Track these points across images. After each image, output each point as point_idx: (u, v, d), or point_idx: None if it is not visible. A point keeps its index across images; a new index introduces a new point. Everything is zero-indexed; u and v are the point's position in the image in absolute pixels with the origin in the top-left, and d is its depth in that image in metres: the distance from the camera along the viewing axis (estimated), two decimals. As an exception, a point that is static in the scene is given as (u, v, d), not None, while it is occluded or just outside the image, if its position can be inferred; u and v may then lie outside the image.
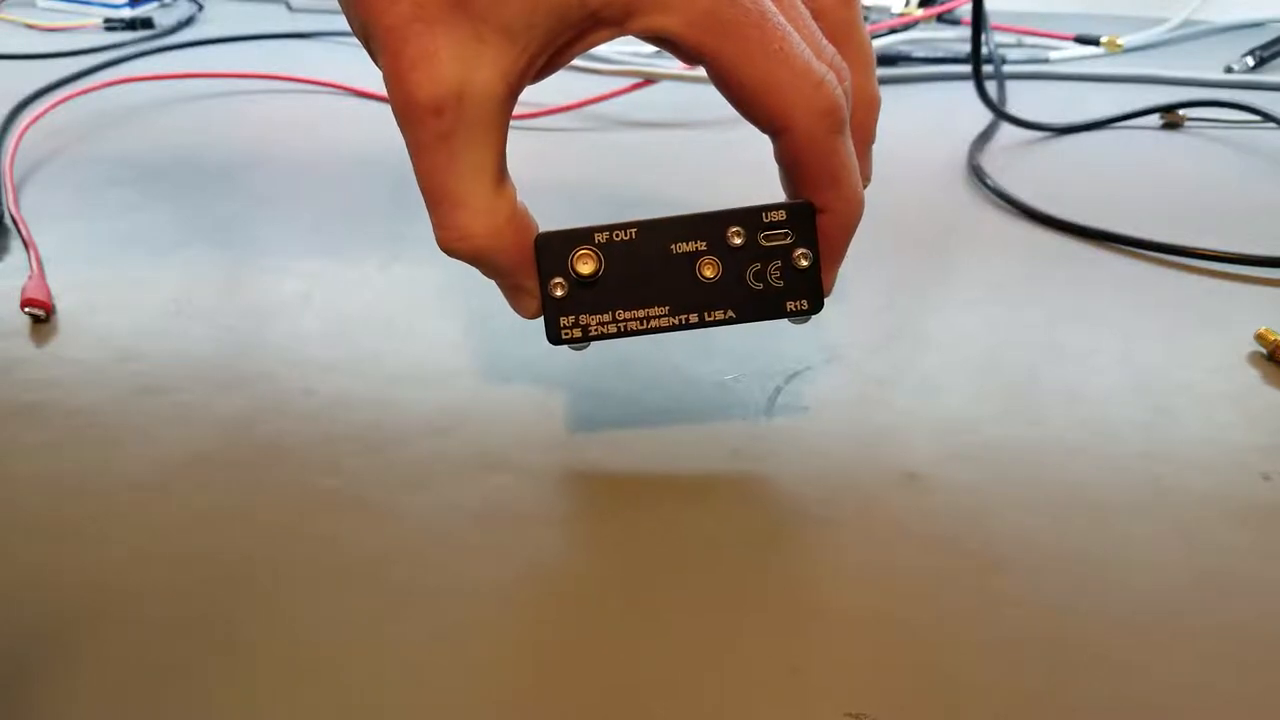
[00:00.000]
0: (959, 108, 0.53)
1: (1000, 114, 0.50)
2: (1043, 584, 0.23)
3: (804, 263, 0.24)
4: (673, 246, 0.24)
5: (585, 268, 0.24)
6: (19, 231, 0.38)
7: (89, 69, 0.59)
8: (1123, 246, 0.38)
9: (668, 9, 0.22)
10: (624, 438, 0.28)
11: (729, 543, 0.24)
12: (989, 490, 0.26)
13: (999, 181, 0.43)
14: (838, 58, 0.24)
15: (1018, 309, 0.34)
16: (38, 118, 0.49)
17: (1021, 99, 0.55)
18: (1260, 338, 0.31)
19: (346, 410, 0.29)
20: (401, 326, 0.33)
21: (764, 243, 0.24)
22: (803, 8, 0.23)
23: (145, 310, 0.34)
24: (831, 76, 0.22)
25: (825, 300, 0.25)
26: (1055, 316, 0.34)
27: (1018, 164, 0.46)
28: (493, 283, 0.25)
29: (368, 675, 0.21)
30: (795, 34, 0.22)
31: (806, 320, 0.25)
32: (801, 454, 0.27)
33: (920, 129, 0.51)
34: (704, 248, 0.24)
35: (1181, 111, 0.51)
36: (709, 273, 0.24)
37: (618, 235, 0.24)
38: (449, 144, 0.22)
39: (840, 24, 0.24)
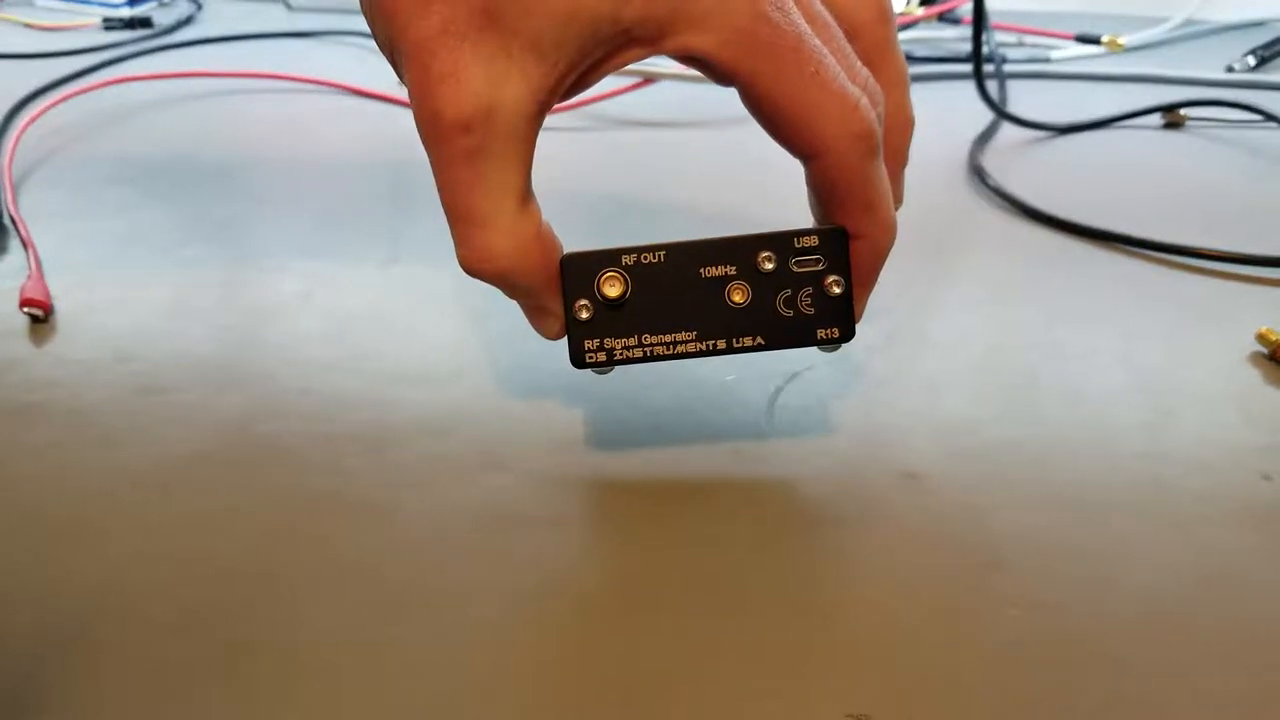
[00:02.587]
0: (960, 107, 0.53)
1: (1001, 113, 0.50)
2: (1043, 584, 0.23)
3: (836, 290, 0.24)
4: (702, 270, 0.24)
5: (612, 290, 0.23)
6: (18, 231, 0.38)
7: (88, 68, 0.59)
8: (1123, 246, 0.38)
9: (702, 29, 0.21)
10: (625, 438, 0.28)
11: (729, 543, 0.24)
12: (989, 490, 0.26)
13: (1000, 181, 0.43)
14: (872, 81, 0.23)
15: (1018, 309, 0.34)
16: (36, 117, 0.49)
17: (1022, 98, 0.55)
18: (1261, 338, 0.31)
19: (346, 410, 0.29)
20: (401, 326, 0.33)
21: (795, 269, 0.24)
22: (837, 30, 0.23)
23: (145, 310, 0.34)
24: (865, 100, 0.22)
25: (857, 328, 0.24)
26: (1055, 316, 0.34)
27: (1019, 164, 0.46)
28: (500, 292, 0.25)
29: (367, 676, 0.21)
30: (830, 56, 0.22)
31: (837, 349, 0.24)
32: (802, 454, 0.27)
33: (921, 129, 0.50)
34: (733, 272, 0.24)
35: (1183, 111, 0.50)
36: (738, 298, 0.24)
37: (646, 258, 0.23)
38: (475, 162, 0.21)
39: (877, 42, 0.24)
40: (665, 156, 0.47)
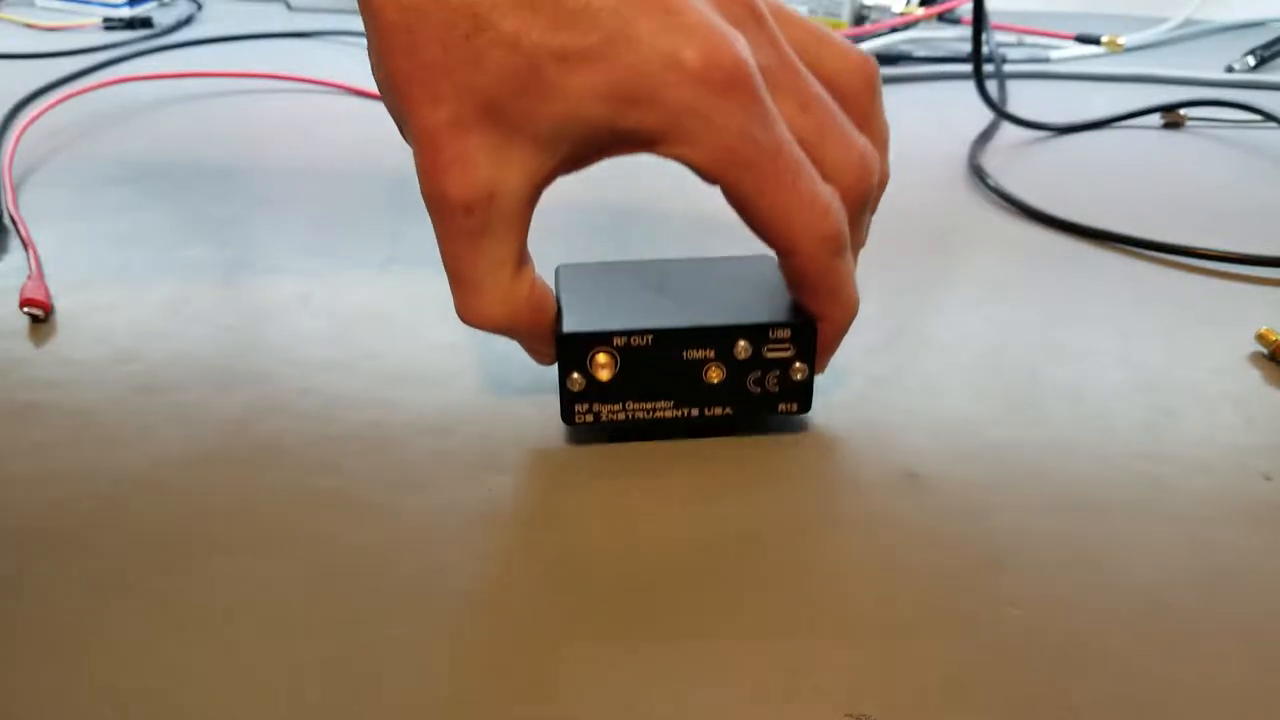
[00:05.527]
0: (959, 107, 0.53)
1: (1001, 113, 0.50)
2: (1043, 584, 0.23)
3: (799, 376, 0.27)
4: (684, 353, 0.26)
5: (602, 374, 0.26)
6: (18, 231, 0.38)
7: (88, 68, 0.59)
8: (1123, 246, 0.38)
9: (691, 143, 0.23)
10: (625, 438, 0.28)
11: (729, 543, 0.24)
12: (989, 490, 0.26)
13: (1000, 181, 0.43)
14: (869, 147, 0.25)
15: (1018, 309, 0.34)
16: (37, 117, 0.49)
17: (1022, 98, 0.55)
18: (1261, 338, 0.31)
19: (346, 410, 0.29)
20: (401, 326, 0.33)
21: (767, 354, 0.26)
22: (831, 102, 0.25)
23: (145, 310, 0.34)
24: (836, 203, 0.24)
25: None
26: (1055, 316, 0.34)
27: (1018, 164, 0.46)
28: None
29: (367, 675, 0.21)
30: (807, 165, 0.24)
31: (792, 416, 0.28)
32: (803, 454, 0.27)
33: (920, 129, 0.51)
34: (712, 355, 0.26)
35: (1182, 111, 0.51)
36: (714, 377, 0.26)
37: (635, 340, 0.26)
38: (475, 239, 0.24)
39: (863, 111, 0.26)
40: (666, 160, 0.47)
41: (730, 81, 0.22)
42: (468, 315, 0.25)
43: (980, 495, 0.26)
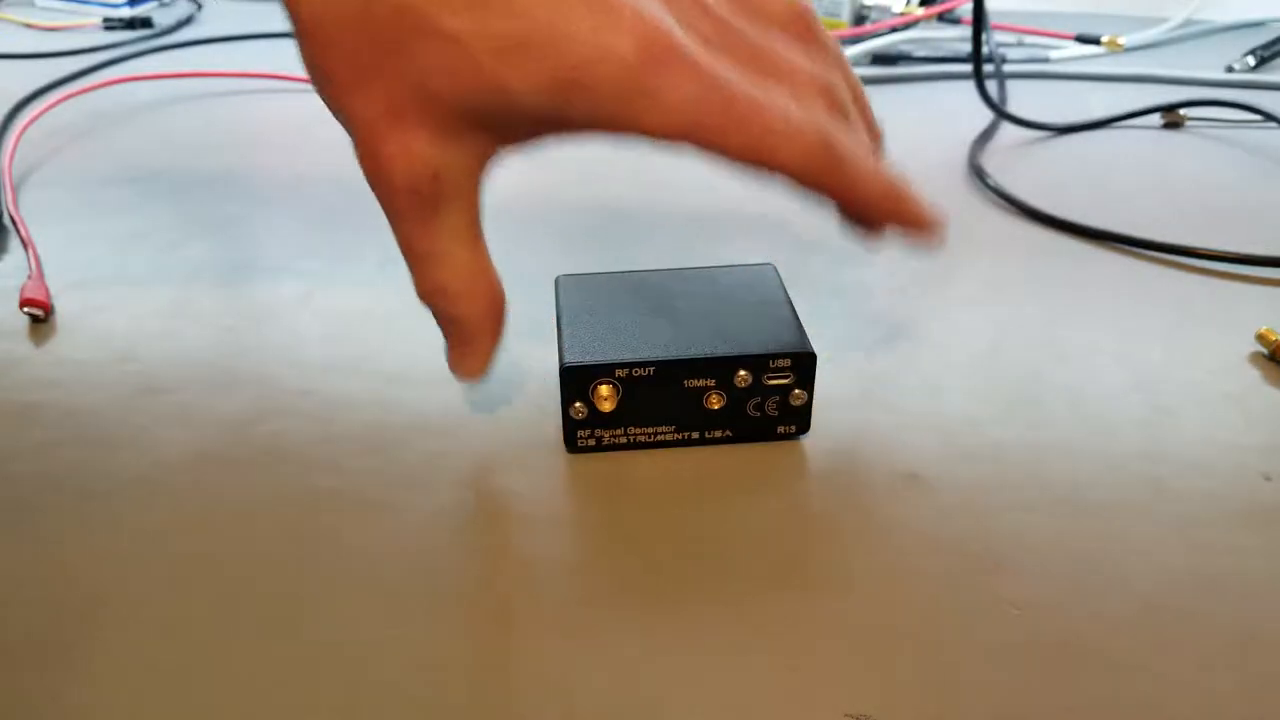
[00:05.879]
0: (959, 107, 0.53)
1: (1001, 113, 0.50)
2: (1043, 584, 0.23)
3: (798, 402, 0.27)
4: (685, 382, 0.26)
5: (605, 405, 0.26)
6: (18, 231, 0.38)
7: (88, 68, 0.59)
8: (1123, 246, 0.38)
9: (641, 121, 0.22)
10: (624, 438, 0.28)
11: (728, 543, 0.24)
12: (990, 490, 0.26)
13: (1000, 181, 0.43)
14: (815, 65, 0.24)
15: (1018, 309, 0.34)
16: (37, 117, 0.49)
17: (1022, 98, 0.55)
18: (1261, 338, 0.31)
19: (346, 410, 0.29)
20: (402, 326, 0.33)
21: (767, 382, 0.26)
22: (776, 41, 0.24)
23: (145, 310, 0.34)
24: (803, 107, 0.23)
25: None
26: (1055, 316, 0.34)
27: (1018, 163, 0.46)
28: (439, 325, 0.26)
29: (367, 675, 0.21)
30: (764, 94, 0.23)
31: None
32: (803, 454, 0.27)
33: (920, 129, 0.51)
34: (713, 384, 0.26)
35: (1182, 111, 0.50)
36: (715, 404, 0.27)
37: (637, 372, 0.26)
38: (426, 216, 0.24)
39: (807, 42, 0.25)
40: (664, 156, 0.47)
41: (665, 63, 0.22)
42: (427, 287, 0.25)
43: (980, 495, 0.26)
